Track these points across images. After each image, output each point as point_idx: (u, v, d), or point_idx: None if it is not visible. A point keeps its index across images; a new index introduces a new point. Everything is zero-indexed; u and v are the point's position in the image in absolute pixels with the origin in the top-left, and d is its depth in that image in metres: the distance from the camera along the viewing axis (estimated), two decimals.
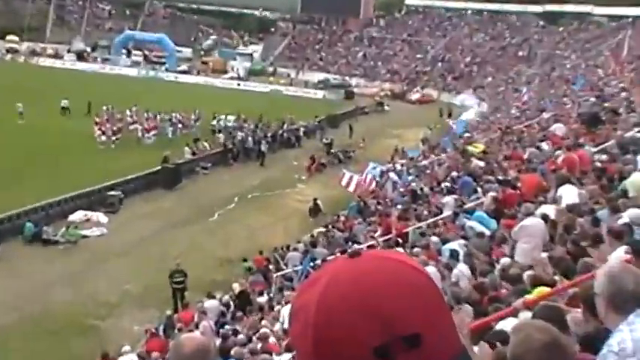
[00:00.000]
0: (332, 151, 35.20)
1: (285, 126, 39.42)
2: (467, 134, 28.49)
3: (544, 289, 5.02)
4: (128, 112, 35.98)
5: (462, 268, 8.61)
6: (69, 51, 68.16)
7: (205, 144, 33.39)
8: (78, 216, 22.34)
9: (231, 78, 64.55)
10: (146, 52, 69.33)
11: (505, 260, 7.98)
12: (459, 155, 21.32)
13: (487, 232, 10.19)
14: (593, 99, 22.76)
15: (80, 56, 67.28)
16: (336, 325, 0.89)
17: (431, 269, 8.43)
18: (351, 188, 23.68)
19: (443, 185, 17.29)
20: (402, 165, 25.74)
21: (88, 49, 68.89)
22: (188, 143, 32.40)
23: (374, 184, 23.67)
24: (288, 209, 26.29)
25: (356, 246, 14.56)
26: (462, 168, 18.25)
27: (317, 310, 0.90)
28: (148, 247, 20.83)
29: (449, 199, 14.33)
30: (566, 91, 34.89)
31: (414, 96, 62.69)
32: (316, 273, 0.98)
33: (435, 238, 11.50)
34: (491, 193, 12.05)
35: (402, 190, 20.68)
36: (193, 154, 31.84)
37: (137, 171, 27.08)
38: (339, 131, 41.73)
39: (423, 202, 16.91)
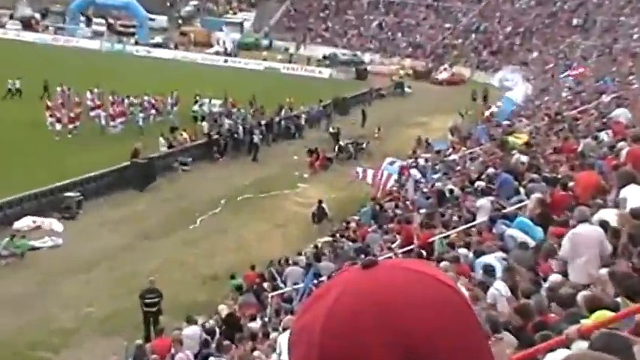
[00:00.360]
0: (340, 143, 35.41)
1: (282, 112, 39.89)
2: (506, 122, 28.54)
3: (604, 314, 5.02)
4: (89, 95, 36.00)
5: (499, 287, 8.59)
6: (12, 17, 67.42)
7: (185, 134, 33.47)
8: (25, 223, 22.32)
9: (217, 53, 64.70)
10: (110, 21, 69.11)
11: (554, 278, 7.99)
12: (497, 148, 21.46)
13: (531, 243, 10.19)
14: None
15: (27, 24, 66.64)
16: (346, 345, 0.90)
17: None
18: (369, 180, 24.42)
19: (477, 185, 17.32)
20: (427, 160, 25.89)
21: (37, 16, 68.35)
22: (163, 133, 32.57)
23: (392, 182, 23.99)
24: (287, 214, 26.50)
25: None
26: (501, 163, 18.32)
27: (324, 329, 0.90)
28: (114, 261, 21.05)
29: (484, 202, 14.32)
30: (632, 67, 34.91)
31: (442, 75, 62.72)
32: (324, 286, 0.98)
33: (466, 250, 11.59)
34: (537, 195, 12.04)
35: (426, 190, 20.82)
36: (170, 146, 32.01)
37: (100, 168, 27.10)
38: (349, 119, 41.80)
39: (452, 205, 16.99)
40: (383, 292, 0.91)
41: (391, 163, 25.38)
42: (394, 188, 24.05)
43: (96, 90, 36.42)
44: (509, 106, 33.31)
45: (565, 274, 8.14)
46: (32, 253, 20.91)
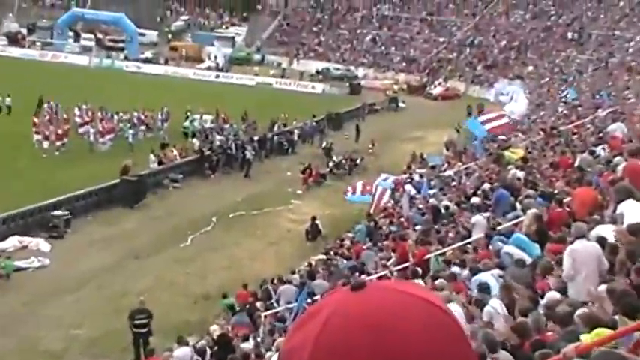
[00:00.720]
0: (333, 159, 35.43)
1: (275, 128, 40.04)
2: (501, 136, 28.63)
3: (602, 332, 5.03)
4: (77, 112, 36.09)
5: (496, 305, 8.62)
6: None
7: (175, 151, 33.45)
8: (11, 243, 22.11)
9: (208, 68, 64.94)
10: (99, 36, 69.04)
11: (552, 295, 8.01)
12: (493, 163, 21.53)
13: (528, 260, 10.22)
14: None
15: (13, 39, 66.58)
16: None
17: (455, 307, 8.47)
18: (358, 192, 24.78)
19: (472, 201, 17.47)
20: (422, 176, 26.02)
21: (24, 31, 68.22)
22: (154, 150, 32.56)
23: (386, 198, 24.08)
24: (280, 231, 26.52)
25: (364, 277, 14.21)
26: (497, 179, 18.48)
27: (313, 351, 0.91)
28: (103, 281, 20.73)
29: (480, 219, 14.43)
30: (628, 81, 35.13)
31: (436, 90, 62.93)
32: (312, 308, 0.99)
33: (462, 268, 11.64)
34: (534, 211, 12.03)
35: (421, 206, 20.90)
36: (160, 163, 31.97)
37: (89, 185, 27.07)
38: (342, 134, 42.04)
39: (448, 221, 17.07)
40: (373, 315, 0.92)
41: (386, 179, 25.33)
42: (389, 204, 23.98)
43: (84, 106, 36.38)
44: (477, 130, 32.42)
45: (563, 291, 8.17)
46: (19, 274, 20.70)
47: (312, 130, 41.34)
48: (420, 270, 13.29)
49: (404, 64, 71.36)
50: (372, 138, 39.54)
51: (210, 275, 21.85)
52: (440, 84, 66.46)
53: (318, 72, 65.79)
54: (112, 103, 37.52)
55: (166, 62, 65.30)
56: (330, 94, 57.67)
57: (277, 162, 36.32)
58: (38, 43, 66.34)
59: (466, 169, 24.82)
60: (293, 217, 28.05)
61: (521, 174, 17.60)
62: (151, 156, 31.57)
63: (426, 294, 0.97)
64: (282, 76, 63.70)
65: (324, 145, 38.05)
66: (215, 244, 24.72)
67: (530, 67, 64.57)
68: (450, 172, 25.68)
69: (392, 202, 24.42)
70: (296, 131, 39.99)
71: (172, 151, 33.25)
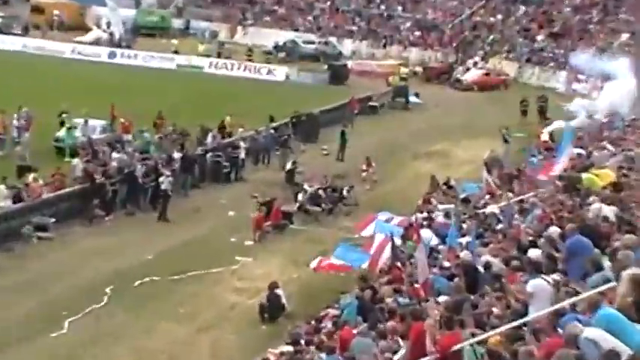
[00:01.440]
0: (304, 187, 35.43)
1: (209, 140, 40.28)
2: (578, 150, 28.89)
3: None
4: None
5: None
6: None
7: (41, 179, 32.85)
8: None
9: (97, 42, 65.64)
10: None
11: None
12: (565, 193, 22.08)
13: (626, 351, 10.18)
14: None
15: None
16: None
17: None
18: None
19: (531, 255, 17.44)
20: (448, 214, 26.42)
21: None
22: (6, 178, 32.07)
23: (389, 251, 23.81)
24: (219, 308, 26.66)
25: None
26: (571, 219, 18.49)
27: None
28: None
29: (542, 284, 14.50)
30: None
31: (470, 75, 63.85)
32: None
33: None
34: (633, 272, 11.94)
35: (447, 264, 21.06)
36: (18, 199, 31.43)
37: None
38: (319, 147, 42.98)
39: (492, 289, 17.01)
40: None
41: (388, 220, 25.72)
42: (394, 259, 23.51)
43: None
44: (569, 135, 32.80)
45: None
46: None
47: (269, 143, 41.60)
48: None
49: (417, 33, 71.70)
50: (367, 153, 39.76)
51: None
52: (475, 65, 66.65)
53: (278, 47, 66.80)
54: None
55: (26, 31, 65.39)
56: (299, 82, 58.32)
57: (213, 194, 37.03)
58: None
59: (520, 202, 25.07)
60: (239, 284, 28.32)
61: (610, 210, 17.76)
62: (2, 187, 31.13)
63: None
64: (220, 55, 64.28)
65: (288, 165, 38.38)
66: (110, 330, 24.63)
67: (625, 36, 64.48)
68: (493, 209, 25.89)
69: (400, 256, 23.88)
70: (243, 145, 40.25)
71: (37, 180, 32.75)
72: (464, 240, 22.42)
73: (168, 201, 34.27)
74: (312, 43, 67.49)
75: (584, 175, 22.19)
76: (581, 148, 29.97)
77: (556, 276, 14.90)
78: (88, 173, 33.88)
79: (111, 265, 28.98)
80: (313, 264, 26.66)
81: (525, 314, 14.06)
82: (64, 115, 38.91)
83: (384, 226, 25.71)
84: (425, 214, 28.24)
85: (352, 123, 47.82)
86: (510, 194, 26.96)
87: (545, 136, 36.77)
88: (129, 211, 34.31)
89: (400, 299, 19.81)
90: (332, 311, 22.81)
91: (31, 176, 32.96)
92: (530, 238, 19.15)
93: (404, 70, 62.79)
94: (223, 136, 41.34)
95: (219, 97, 47.94)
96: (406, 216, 27.89)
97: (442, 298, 17.27)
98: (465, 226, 24.54)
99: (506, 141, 39.09)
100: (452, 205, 28.63)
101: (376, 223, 26.70)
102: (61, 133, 38.17)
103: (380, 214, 26.98)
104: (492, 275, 17.67)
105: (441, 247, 23.08)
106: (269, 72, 61.06)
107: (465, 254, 20.02)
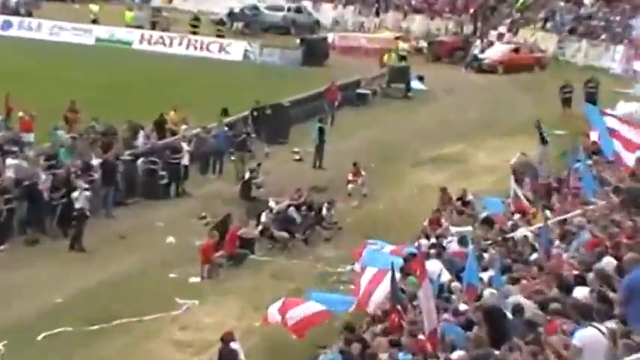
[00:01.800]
0: (270, 205, 35.35)
1: (140, 139, 39.83)
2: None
3: None
4: None
5: None
6: None
7: None
8: None
9: None
10: None
11: None
12: (623, 210, 23.04)
13: None
14: None
15: None
16: None
17: None
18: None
19: (577, 295, 17.77)
20: (463, 240, 26.28)
21: None
22: None
23: (384, 289, 24.17)
24: None
25: None
26: (631, 246, 19.07)
27: None
28: None
29: (593, 336, 14.53)
30: None
31: (492, 51, 65.00)
32: None
33: None
34: None
35: (462, 307, 20.89)
36: None
37: None
38: (289, 149, 44.02)
39: (524, 340, 16.42)
40: None
41: (379, 250, 25.84)
42: (397, 306, 22.46)
43: None
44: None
45: None
46: None
47: (221, 145, 41.65)
48: None
49: None
50: (355, 159, 39.85)
51: None
52: (501, 38, 67.02)
53: (233, 15, 69.52)
54: None
55: None
56: (262, 63, 60.65)
57: (146, 214, 36.37)
58: None
59: (562, 223, 25.10)
60: (182, 335, 27.44)
61: None
62: None
63: None
64: (155, 26, 68.32)
65: (246, 174, 38.31)
66: None
67: None
68: (525, 232, 25.95)
69: (398, 296, 22.84)
70: (186, 147, 39.68)
71: None
72: (485, 275, 22.34)
73: (85, 223, 33.14)
74: (280, 9, 68.25)
75: None
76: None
77: (612, 324, 14.99)
78: None
79: (5, 312, 27.74)
80: (272, 313, 24.63)
81: None
82: None
83: (378, 256, 25.54)
84: (432, 240, 28.07)
85: (333, 117, 48.58)
86: (548, 212, 26.95)
87: (595, 135, 36.06)
88: (30, 237, 33.23)
89: (400, 355, 19.58)
90: None
91: None
92: (576, 273, 19.44)
93: (403, 45, 64.41)
94: (162, 136, 40.68)
95: (154, 82, 48.43)
96: (404, 245, 27.15)
97: (457, 354, 17.46)
98: (486, 256, 24.29)
99: (543, 141, 38.26)
100: (469, 228, 28.63)
101: (366, 254, 26.41)
102: None
103: (370, 244, 26.67)
104: (525, 323, 17.59)
105: (454, 284, 22.71)
106: (221, 49, 63.09)
107: (487, 294, 20.21)
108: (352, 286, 26.54)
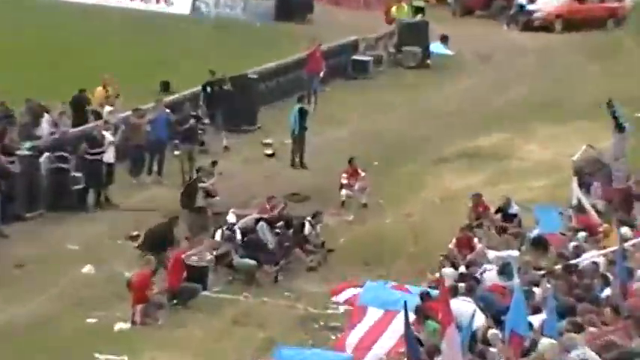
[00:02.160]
0: (228, 219, 34.67)
1: (44, 127, 39.73)
2: None
3: None
4: None
5: None
6: None
7: None
8: None
9: None
10: None
11: None
12: None
13: None
14: None
15: None
16: None
17: None
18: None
19: None
20: (505, 270, 26.94)
21: None
22: None
23: (389, 338, 25.94)
24: None
25: None
26: None
27: None
28: None
29: None
30: None
31: (544, 4, 62.84)
32: None
33: None
34: None
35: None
36: None
37: None
38: (259, 140, 44.61)
39: None
40: None
41: (384, 286, 26.22)
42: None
43: None
44: None
45: None
46: None
47: (161, 134, 40.60)
48: None
49: None
50: (351, 153, 39.16)
51: None
52: None
53: None
54: None
55: None
56: (218, 18, 60.89)
57: (53, 233, 35.26)
58: None
59: None
60: None
61: None
62: None
63: None
64: None
65: (196, 173, 37.23)
66: None
67: None
68: (593, 258, 26.53)
69: (414, 350, 22.01)
70: (110, 137, 38.48)
71: None
72: (536, 319, 22.20)
73: None
74: None
75: None
76: None
77: None
78: None
79: None
80: None
81: None
82: None
83: (383, 292, 25.75)
84: (461, 270, 27.24)
85: (316, 95, 47.18)
86: (627, 230, 26.79)
87: None
88: None
89: None
90: None
91: None
92: None
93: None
94: (80, 122, 39.27)
95: (72, 45, 47.42)
96: (414, 278, 26.33)
97: None
98: (538, 291, 24.02)
99: (619, 128, 35.56)
100: (514, 252, 27.94)
101: (367, 289, 26.72)
102: None
103: (366, 285, 26.25)
104: None
105: (492, 332, 22.20)
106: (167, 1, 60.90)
107: (543, 346, 19.92)
108: (339, 335, 26.21)
